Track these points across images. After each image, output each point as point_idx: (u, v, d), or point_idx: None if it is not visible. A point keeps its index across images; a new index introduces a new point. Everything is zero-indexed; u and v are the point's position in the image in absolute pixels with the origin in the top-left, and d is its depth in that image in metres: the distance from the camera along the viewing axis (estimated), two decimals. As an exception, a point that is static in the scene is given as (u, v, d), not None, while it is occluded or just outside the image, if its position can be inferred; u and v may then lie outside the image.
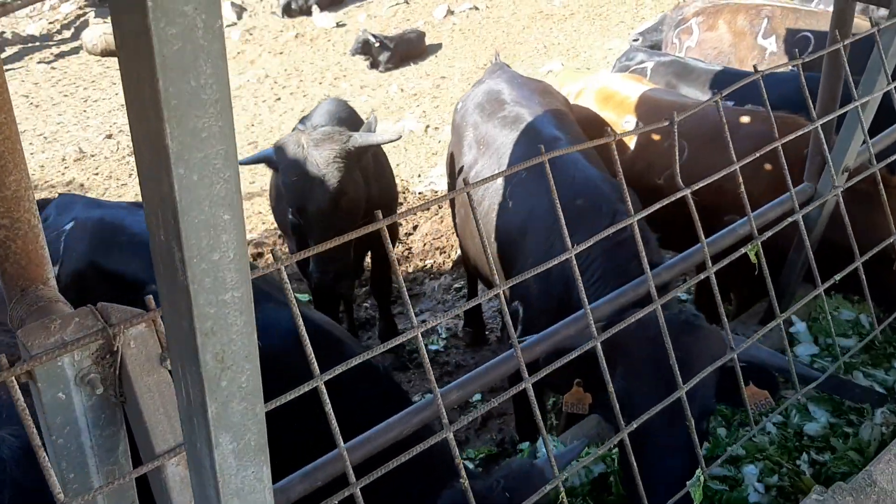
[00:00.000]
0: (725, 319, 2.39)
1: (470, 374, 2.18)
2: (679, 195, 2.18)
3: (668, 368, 2.24)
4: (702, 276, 2.23)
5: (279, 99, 13.06)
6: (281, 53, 15.14)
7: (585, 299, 1.97)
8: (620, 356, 2.64)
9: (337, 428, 1.48)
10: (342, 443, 1.48)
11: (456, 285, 6.57)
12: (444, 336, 5.87)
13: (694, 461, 2.39)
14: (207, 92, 0.66)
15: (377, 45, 13.45)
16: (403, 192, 8.82)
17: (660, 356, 2.35)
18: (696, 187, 2.21)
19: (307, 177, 4.37)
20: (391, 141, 4.44)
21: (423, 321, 6.18)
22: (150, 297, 1.28)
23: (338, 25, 15.97)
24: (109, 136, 12.11)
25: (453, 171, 5.21)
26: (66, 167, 11.20)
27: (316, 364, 1.44)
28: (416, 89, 12.60)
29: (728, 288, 4.79)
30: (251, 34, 16.17)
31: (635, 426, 2.08)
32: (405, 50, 13.77)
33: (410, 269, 7.22)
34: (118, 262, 3.73)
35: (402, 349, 5.67)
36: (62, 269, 3.86)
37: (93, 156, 11.52)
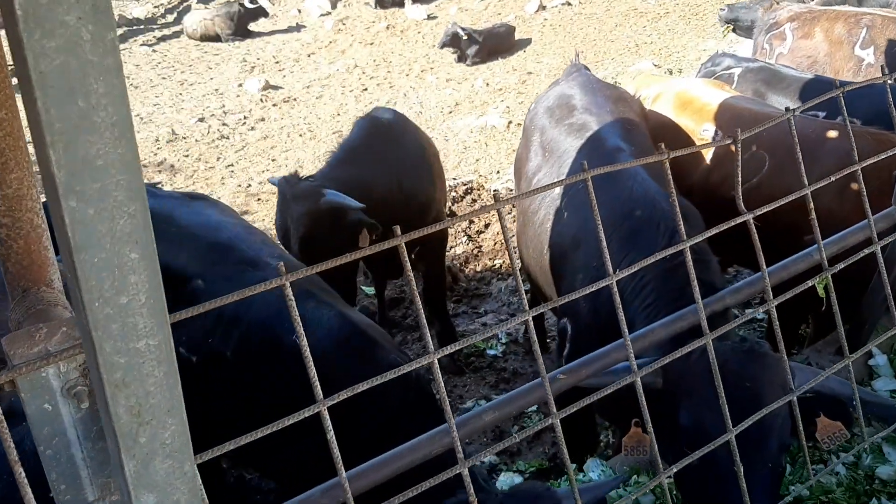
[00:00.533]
0: (785, 357, 2.21)
1: (495, 402, 2.08)
2: (740, 220, 2.01)
3: (737, 402, 2.08)
4: (761, 311, 2.06)
5: (366, 89, 13.16)
6: (371, 44, 15.26)
7: (626, 329, 1.84)
8: (683, 390, 2.49)
9: (339, 456, 1.41)
10: (343, 472, 1.41)
11: (524, 287, 6.45)
12: (503, 341, 5.76)
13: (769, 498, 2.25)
14: (101, 114, 0.59)
15: (465, 38, 13.37)
16: (478, 189, 8.73)
17: (728, 389, 2.18)
18: (760, 212, 2.04)
19: (287, 222, 4.89)
20: (359, 207, 4.69)
21: (484, 324, 6.08)
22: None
23: (429, 18, 15.97)
24: (201, 120, 12.46)
25: (519, 174, 5.09)
26: (158, 148, 11.58)
27: (320, 388, 1.37)
28: (502, 84, 12.47)
29: (805, 310, 4.51)
30: (344, 24, 16.36)
31: (691, 456, 1.94)
32: (493, 44, 13.64)
33: (478, 268, 7.13)
34: (165, 253, 3.75)
35: (458, 353, 5.59)
36: None
37: (184, 138, 11.87)
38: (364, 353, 3.29)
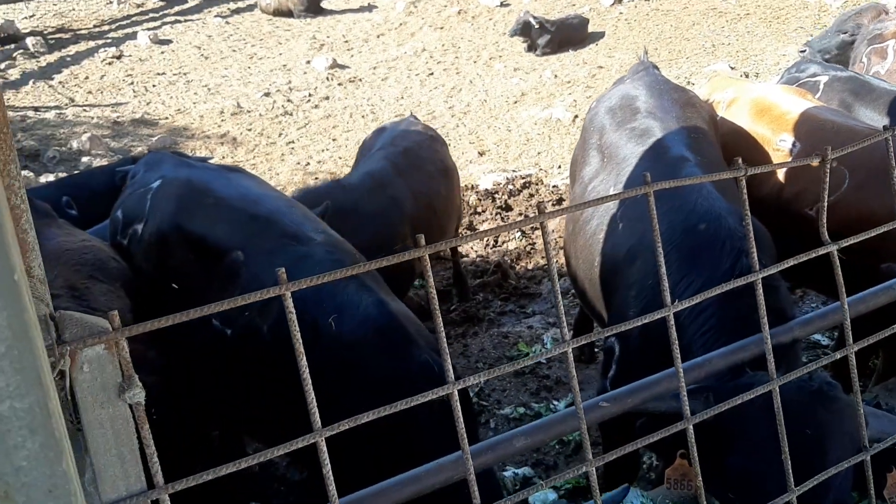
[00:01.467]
0: (860, 402, 1.96)
1: (528, 427, 1.89)
2: (822, 251, 1.77)
3: (796, 451, 1.84)
4: (838, 356, 1.82)
5: (432, 74, 12.99)
6: (441, 28, 15.05)
7: (679, 362, 1.62)
8: (738, 429, 2.24)
9: (332, 483, 1.23)
10: (336, 499, 1.24)
11: (573, 290, 6.20)
12: (549, 347, 5.53)
13: None
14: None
15: (537, 27, 13.05)
16: (537, 184, 8.48)
17: (787, 435, 1.93)
18: (846, 244, 1.80)
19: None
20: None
21: (531, 326, 5.86)
22: (116, 312, 1.07)
23: (501, 5, 15.68)
24: (267, 95, 12.46)
25: (574, 177, 4.82)
26: (223, 120, 11.63)
27: (319, 419, 1.20)
28: (571, 77, 12.14)
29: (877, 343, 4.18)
30: (415, 7, 16.18)
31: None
32: (565, 35, 13.29)
33: (530, 266, 6.90)
34: (202, 225, 3.67)
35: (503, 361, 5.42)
36: (145, 228, 3.85)
37: (249, 112, 11.89)
38: (397, 349, 3.14)
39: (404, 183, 5.64)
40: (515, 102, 11.44)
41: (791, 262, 1.72)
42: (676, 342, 1.59)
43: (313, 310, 3.21)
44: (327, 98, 12.27)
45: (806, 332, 2.46)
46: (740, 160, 1.59)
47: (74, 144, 10.35)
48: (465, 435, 1.35)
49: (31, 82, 12.85)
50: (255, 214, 3.71)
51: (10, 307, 0.45)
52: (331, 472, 1.22)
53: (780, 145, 4.50)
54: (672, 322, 1.59)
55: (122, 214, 4.07)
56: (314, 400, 1.18)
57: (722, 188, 3.46)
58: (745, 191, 1.64)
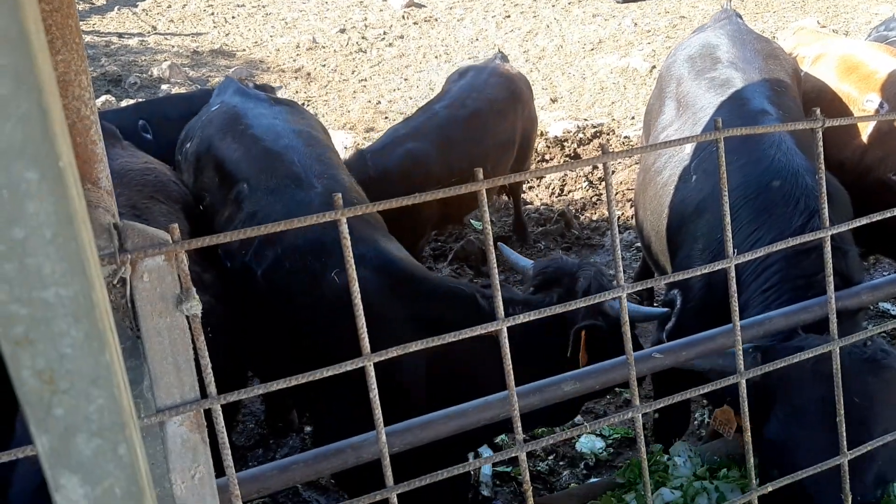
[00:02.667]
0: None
1: (577, 372, 1.88)
2: (898, 211, 1.69)
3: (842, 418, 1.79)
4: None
5: (508, 16, 12.75)
6: (522, -30, 14.69)
7: (737, 317, 1.59)
8: (782, 392, 2.19)
9: (379, 408, 1.26)
10: (383, 433, 1.27)
11: (639, 243, 6.10)
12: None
13: None
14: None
15: (621, -28, 12.63)
16: (608, 134, 8.30)
17: (833, 400, 1.86)
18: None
19: None
20: None
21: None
22: (176, 226, 1.10)
23: (585, -53, 15.17)
24: (342, 31, 12.43)
25: (649, 127, 4.68)
26: (298, 54, 11.67)
27: (368, 345, 1.22)
28: (651, 26, 11.75)
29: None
30: (496, -54, 15.79)
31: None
32: (649, -18, 12.82)
33: (595, 217, 6.81)
34: (226, 150, 3.75)
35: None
36: (190, 146, 4.02)
37: (324, 47, 11.90)
38: (412, 281, 3.13)
39: (445, 161, 5.37)
40: (592, 49, 11.15)
41: (864, 221, 1.65)
42: (735, 295, 1.55)
43: (314, 260, 3.20)
44: (402, 37, 12.18)
45: (874, 297, 2.38)
46: (818, 111, 1.51)
47: (155, 72, 10.56)
48: (511, 372, 1.36)
49: (116, 8, 13.11)
50: (270, 149, 3.70)
51: (55, 193, 0.46)
52: (377, 397, 1.25)
53: (866, 106, 4.29)
54: (732, 274, 1.55)
55: (184, 133, 4.30)
56: (364, 324, 1.20)
57: (803, 146, 3.32)
58: (820, 143, 1.57)
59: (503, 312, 1.32)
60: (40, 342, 0.52)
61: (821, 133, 1.55)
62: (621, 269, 1.45)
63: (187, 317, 1.12)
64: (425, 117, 5.70)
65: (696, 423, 4.01)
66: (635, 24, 11.86)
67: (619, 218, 6.57)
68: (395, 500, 1.30)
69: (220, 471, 1.24)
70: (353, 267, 1.18)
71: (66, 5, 1.09)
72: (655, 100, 4.62)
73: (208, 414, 1.21)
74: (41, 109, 0.46)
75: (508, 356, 1.37)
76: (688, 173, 3.60)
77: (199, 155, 3.92)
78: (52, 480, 0.56)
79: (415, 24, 12.68)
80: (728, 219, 1.52)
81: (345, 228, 1.16)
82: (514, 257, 3.45)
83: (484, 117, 5.68)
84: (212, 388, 1.19)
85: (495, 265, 1.33)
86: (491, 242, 1.33)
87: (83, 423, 0.55)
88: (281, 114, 4.07)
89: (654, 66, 9.97)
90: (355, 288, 1.20)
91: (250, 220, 3.41)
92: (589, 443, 3.82)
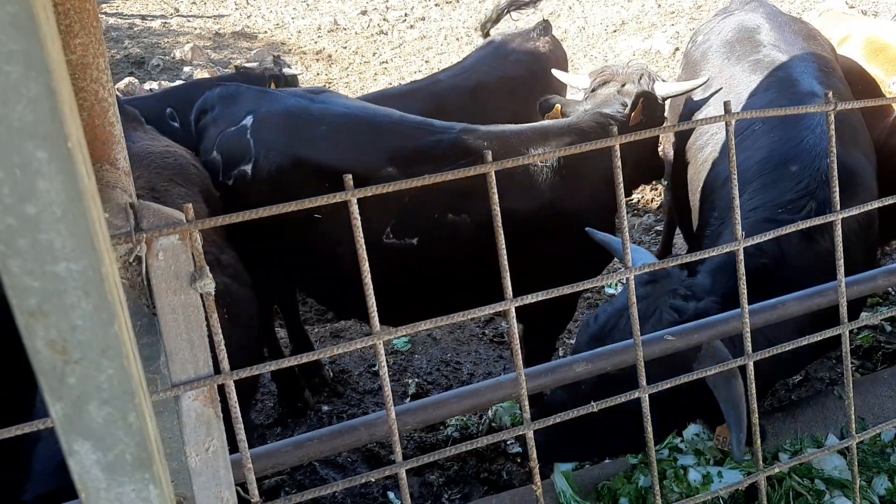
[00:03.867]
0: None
1: (589, 353, 1.89)
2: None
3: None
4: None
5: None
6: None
7: (745, 299, 1.60)
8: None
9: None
10: (392, 411, 1.30)
11: (658, 227, 6.08)
12: (624, 281, 5.44)
13: None
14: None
15: (645, -48, 12.45)
16: (630, 117, 8.24)
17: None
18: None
19: None
20: None
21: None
22: (190, 206, 1.13)
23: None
24: (364, 13, 12.43)
25: (676, 109, 4.63)
26: (319, 36, 11.70)
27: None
28: (675, 7, 11.62)
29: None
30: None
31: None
32: (674, -38, 12.64)
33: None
34: (320, 152, 3.71)
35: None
36: (257, 165, 3.80)
37: (345, 29, 11.91)
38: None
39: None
40: (615, 31, 11.06)
41: (877, 205, 1.65)
42: (744, 277, 1.56)
43: None
44: (423, 19, 12.15)
45: (890, 281, 2.36)
46: (830, 94, 1.51)
47: (177, 54, 10.64)
48: (519, 353, 1.38)
49: (139, -10, 13.22)
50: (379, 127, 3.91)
51: (64, 172, 0.49)
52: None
53: (893, 88, 4.23)
54: (741, 257, 1.55)
55: (221, 155, 3.94)
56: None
57: (845, 130, 3.31)
58: (832, 126, 1.57)
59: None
60: (53, 314, 0.55)
61: (832, 116, 1.55)
62: (629, 249, 1.47)
63: (201, 294, 1.15)
64: (426, 83, 5.59)
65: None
66: (659, 5, 11.74)
67: (639, 201, 6.54)
68: (404, 474, 1.34)
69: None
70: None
71: (83, -11, 1.12)
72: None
73: (222, 390, 1.24)
74: (51, 91, 0.49)
75: (516, 336, 1.39)
76: (724, 150, 3.61)
77: (280, 169, 3.83)
78: (66, 446, 0.59)
79: (436, 5, 12.64)
80: (737, 201, 1.53)
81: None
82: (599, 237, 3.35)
83: (490, 93, 5.43)
84: (225, 363, 1.23)
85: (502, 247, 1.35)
86: (499, 219, 1.35)
87: (94, 391, 0.58)
88: (337, 98, 4.33)
89: (677, 48, 9.87)
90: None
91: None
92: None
